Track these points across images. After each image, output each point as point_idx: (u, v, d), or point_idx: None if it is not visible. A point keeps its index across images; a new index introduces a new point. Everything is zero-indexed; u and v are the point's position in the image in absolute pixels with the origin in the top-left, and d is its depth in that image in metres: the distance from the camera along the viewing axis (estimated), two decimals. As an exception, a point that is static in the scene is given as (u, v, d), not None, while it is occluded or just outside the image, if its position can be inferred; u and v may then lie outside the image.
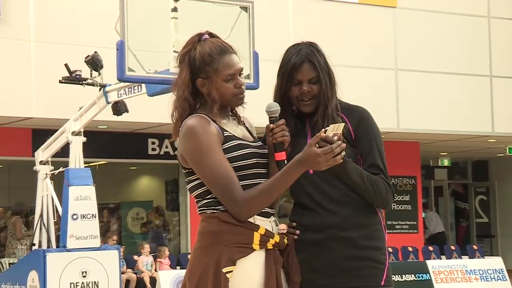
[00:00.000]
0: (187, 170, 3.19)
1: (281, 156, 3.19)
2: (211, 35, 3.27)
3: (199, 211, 3.21)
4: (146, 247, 14.12)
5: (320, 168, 3.06)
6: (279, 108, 3.28)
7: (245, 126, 3.34)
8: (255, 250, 3.11)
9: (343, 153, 3.06)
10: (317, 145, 3.05)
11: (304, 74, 3.40)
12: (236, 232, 3.09)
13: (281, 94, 3.45)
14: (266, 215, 3.18)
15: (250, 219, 3.12)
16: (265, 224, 3.16)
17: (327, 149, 3.01)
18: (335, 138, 3.07)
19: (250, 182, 3.14)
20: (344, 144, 3.07)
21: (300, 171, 3.09)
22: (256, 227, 3.12)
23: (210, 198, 3.15)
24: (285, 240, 3.22)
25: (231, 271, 3.07)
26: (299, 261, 3.32)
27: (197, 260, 3.13)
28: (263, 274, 3.12)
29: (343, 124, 3.17)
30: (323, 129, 3.10)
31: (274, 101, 3.42)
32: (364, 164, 3.38)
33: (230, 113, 3.30)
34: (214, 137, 3.10)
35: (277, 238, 3.17)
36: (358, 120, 3.40)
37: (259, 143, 3.28)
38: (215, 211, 3.13)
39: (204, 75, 3.17)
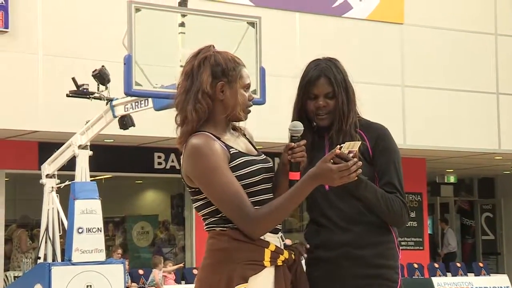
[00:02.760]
0: (192, 189, 3.15)
1: (295, 176, 3.15)
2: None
3: (206, 228, 3.17)
4: (161, 261, 14.07)
5: (333, 184, 3.03)
6: (303, 128, 3.25)
7: (246, 138, 3.31)
8: (266, 267, 3.08)
9: (359, 170, 3.03)
10: (332, 161, 3.02)
11: (320, 88, 3.42)
12: (247, 249, 3.06)
13: (298, 108, 3.47)
14: (275, 231, 3.16)
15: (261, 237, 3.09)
16: (274, 240, 3.14)
17: (342, 166, 2.98)
18: (351, 155, 3.04)
19: (259, 198, 3.11)
20: (360, 163, 3.03)
21: (313, 186, 3.05)
22: (267, 244, 3.09)
23: (219, 217, 3.11)
24: (293, 256, 3.20)
25: None
26: (313, 279, 3.31)
27: (207, 278, 3.09)
28: None
29: (360, 142, 3.15)
30: (338, 146, 3.08)
31: (293, 115, 3.44)
32: (380, 182, 3.36)
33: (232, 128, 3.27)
34: (220, 156, 3.06)
35: (286, 254, 3.14)
36: (376, 138, 3.40)
37: (263, 157, 3.25)
38: (225, 228, 3.09)
39: (227, 79, 3.14)
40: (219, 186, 3.03)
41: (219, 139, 3.12)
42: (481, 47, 15.94)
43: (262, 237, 3.09)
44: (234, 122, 3.26)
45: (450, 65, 15.47)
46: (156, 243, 17.51)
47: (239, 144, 3.20)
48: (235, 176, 3.07)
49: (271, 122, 13.23)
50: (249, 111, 3.22)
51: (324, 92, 3.41)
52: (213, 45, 3.24)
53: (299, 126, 3.23)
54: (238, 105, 3.15)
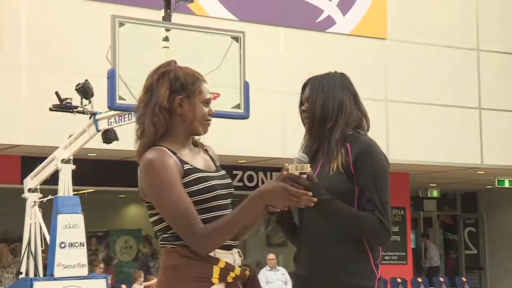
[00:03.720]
0: (147, 204, 3.15)
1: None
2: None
3: (160, 244, 3.18)
4: (141, 275, 14.00)
5: (280, 204, 3.01)
6: (308, 159, 3.30)
7: (209, 155, 3.31)
8: (214, 284, 3.06)
9: (315, 199, 2.98)
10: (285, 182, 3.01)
11: (304, 94, 3.52)
12: (195, 266, 3.05)
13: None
14: (228, 248, 3.13)
15: (211, 253, 3.08)
16: (226, 257, 3.11)
17: (298, 192, 2.96)
18: (304, 176, 3.04)
19: (211, 215, 3.09)
20: (311, 194, 2.96)
21: (261, 204, 3.02)
22: (216, 261, 3.07)
23: (170, 233, 3.11)
24: (247, 272, 3.16)
25: None
26: None
27: None
28: None
29: (308, 165, 3.12)
30: (287, 166, 3.05)
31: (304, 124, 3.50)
32: (360, 199, 3.31)
33: (192, 143, 3.26)
34: (173, 172, 3.05)
35: (237, 271, 3.11)
36: (358, 153, 3.34)
37: (222, 173, 3.23)
38: (175, 245, 3.10)
39: (185, 94, 3.16)
40: (169, 202, 3.04)
41: (175, 154, 3.12)
42: (463, 62, 16.04)
43: (212, 254, 3.07)
44: (196, 138, 3.28)
45: (433, 80, 15.56)
46: (139, 257, 17.44)
47: (197, 160, 3.20)
48: (187, 192, 3.07)
49: (254, 136, 13.24)
50: (208, 125, 3.22)
51: (305, 96, 3.51)
52: (174, 60, 3.27)
53: (304, 158, 3.28)
54: (196, 119, 3.17)
